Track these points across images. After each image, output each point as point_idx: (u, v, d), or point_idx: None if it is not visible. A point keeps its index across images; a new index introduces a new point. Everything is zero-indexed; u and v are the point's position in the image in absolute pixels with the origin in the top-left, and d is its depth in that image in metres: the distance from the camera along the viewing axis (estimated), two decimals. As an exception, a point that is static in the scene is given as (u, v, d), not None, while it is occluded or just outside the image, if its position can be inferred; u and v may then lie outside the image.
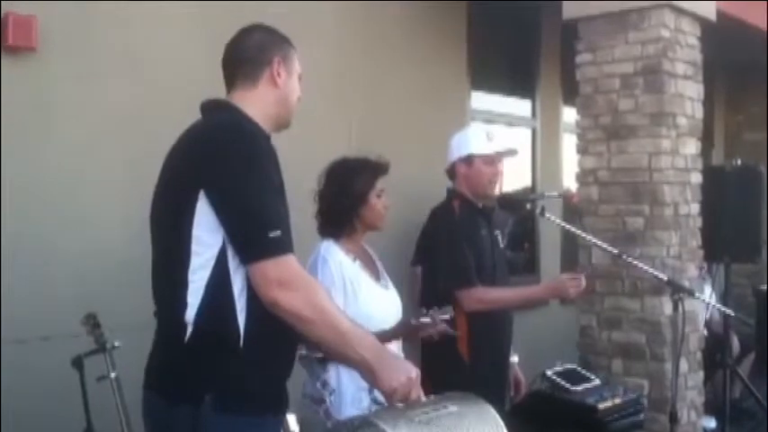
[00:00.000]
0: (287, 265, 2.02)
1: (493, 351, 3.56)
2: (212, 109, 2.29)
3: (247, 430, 2.11)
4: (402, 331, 2.99)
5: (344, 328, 2.08)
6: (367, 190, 3.05)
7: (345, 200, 3.03)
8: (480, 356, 3.49)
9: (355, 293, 2.96)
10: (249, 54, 2.32)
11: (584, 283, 3.55)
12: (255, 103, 2.28)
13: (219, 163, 2.06)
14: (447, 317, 2.95)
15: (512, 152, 3.84)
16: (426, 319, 2.90)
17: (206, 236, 2.07)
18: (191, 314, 2.08)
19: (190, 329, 2.08)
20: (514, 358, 3.91)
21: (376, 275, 3.12)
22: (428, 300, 3.45)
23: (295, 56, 2.39)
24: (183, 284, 2.09)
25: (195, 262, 2.08)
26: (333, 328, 2.06)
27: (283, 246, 2.02)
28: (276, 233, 2.01)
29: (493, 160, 3.70)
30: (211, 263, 2.07)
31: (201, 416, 2.04)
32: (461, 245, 3.57)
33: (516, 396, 3.93)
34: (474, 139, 3.75)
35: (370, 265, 3.12)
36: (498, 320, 3.58)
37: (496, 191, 3.82)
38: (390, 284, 3.16)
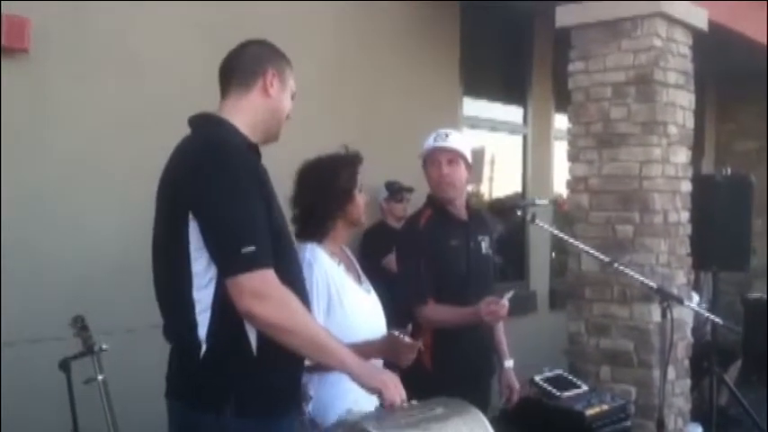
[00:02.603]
0: (261, 278, 2.07)
1: (459, 363, 3.45)
2: (201, 124, 2.32)
3: (267, 429, 2.19)
4: (385, 345, 2.79)
5: (321, 337, 2.17)
6: (352, 185, 2.92)
7: (331, 199, 2.88)
8: (444, 368, 3.40)
9: (341, 300, 2.83)
10: (244, 63, 2.35)
11: (502, 309, 3.32)
12: (246, 111, 2.31)
13: (201, 184, 2.11)
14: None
15: (435, 149, 3.54)
16: (407, 338, 2.79)
17: (202, 256, 2.12)
18: (202, 333, 2.14)
19: (204, 347, 2.14)
20: (509, 363, 3.85)
21: (357, 279, 3.00)
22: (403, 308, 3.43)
23: (291, 74, 2.42)
24: (189, 305, 2.15)
25: (197, 282, 2.14)
26: (309, 338, 2.14)
27: (257, 260, 2.07)
28: (250, 248, 2.05)
29: (436, 161, 3.54)
30: (213, 281, 2.13)
31: (224, 422, 2.13)
32: (417, 260, 3.50)
33: (509, 402, 3.86)
34: (425, 143, 3.61)
35: (351, 268, 3.01)
36: (466, 333, 3.44)
37: (451, 193, 3.58)
38: (371, 288, 3.06)
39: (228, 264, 2.08)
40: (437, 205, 3.63)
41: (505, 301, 3.33)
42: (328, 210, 2.89)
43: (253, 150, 2.28)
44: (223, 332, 2.14)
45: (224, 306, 2.11)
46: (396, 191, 5.52)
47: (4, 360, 3.66)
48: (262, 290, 2.07)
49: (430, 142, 3.59)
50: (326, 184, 2.89)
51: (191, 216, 2.12)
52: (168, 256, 2.21)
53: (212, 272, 2.12)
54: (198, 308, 2.14)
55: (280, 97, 2.37)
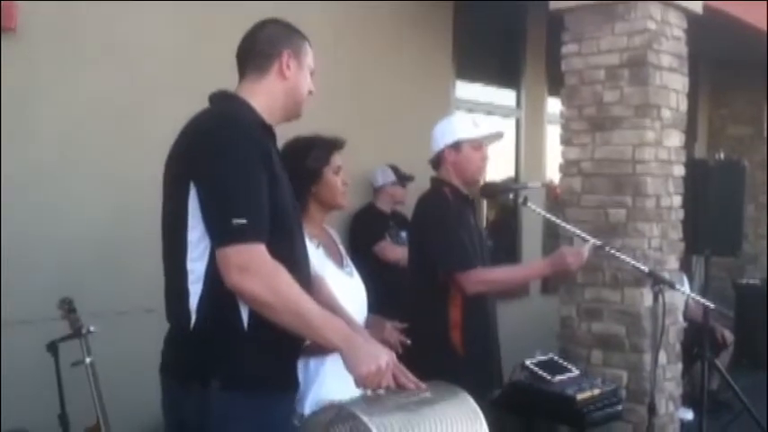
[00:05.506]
0: (249, 251, 2.07)
1: (484, 338, 3.52)
2: (217, 100, 2.36)
3: (255, 408, 2.16)
4: (374, 334, 2.75)
5: (309, 313, 2.13)
6: (321, 165, 2.91)
7: (299, 177, 2.78)
8: (473, 345, 3.44)
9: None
10: (259, 47, 2.38)
11: (585, 255, 3.54)
12: (263, 94, 2.35)
13: (204, 152, 2.14)
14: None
15: (498, 135, 3.78)
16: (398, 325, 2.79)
17: (199, 225, 2.14)
18: (194, 303, 2.16)
19: (194, 317, 2.16)
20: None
21: (339, 262, 2.97)
22: (424, 287, 3.47)
23: (308, 51, 2.46)
24: (183, 274, 2.17)
25: (191, 252, 2.16)
26: (295, 313, 2.11)
27: (247, 234, 2.07)
28: (241, 221, 2.06)
29: (481, 145, 3.65)
30: (207, 252, 2.14)
31: (210, 396, 2.12)
32: (457, 228, 3.53)
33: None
34: (460, 126, 3.70)
35: (333, 251, 2.98)
36: (489, 308, 3.54)
37: (482, 178, 3.78)
38: (354, 271, 3.02)
39: (218, 234, 2.09)
40: (451, 186, 3.66)
41: (585, 251, 3.53)
42: (298, 189, 2.82)
43: (266, 130, 2.29)
44: (213, 305, 2.15)
45: (216, 279, 2.11)
46: (403, 177, 5.55)
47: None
48: (248, 264, 2.06)
49: (469, 127, 3.65)
50: (296, 163, 2.83)
51: (192, 184, 2.13)
52: (169, 224, 2.23)
53: (206, 242, 2.13)
54: (191, 278, 2.15)
55: (297, 78, 2.40)
